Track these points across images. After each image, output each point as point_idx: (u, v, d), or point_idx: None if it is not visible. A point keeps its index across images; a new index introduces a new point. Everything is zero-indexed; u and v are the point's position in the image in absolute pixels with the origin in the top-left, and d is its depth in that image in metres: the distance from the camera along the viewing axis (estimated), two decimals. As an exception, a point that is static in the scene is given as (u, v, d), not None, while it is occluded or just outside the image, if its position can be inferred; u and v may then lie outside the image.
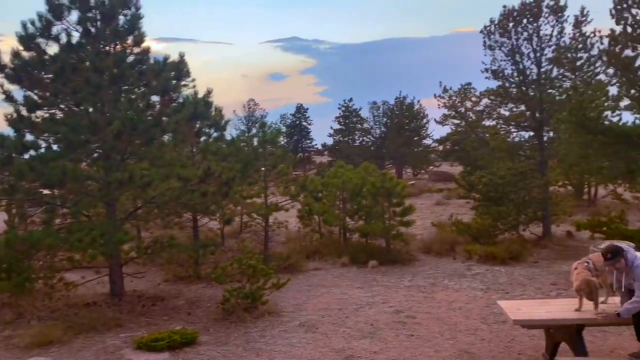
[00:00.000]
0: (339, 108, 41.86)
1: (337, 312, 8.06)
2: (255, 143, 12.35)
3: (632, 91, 11.42)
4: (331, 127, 42.09)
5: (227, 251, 11.80)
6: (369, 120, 40.69)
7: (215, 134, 9.99)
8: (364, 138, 41.29)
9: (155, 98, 8.94)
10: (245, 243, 11.29)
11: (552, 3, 13.17)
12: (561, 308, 5.46)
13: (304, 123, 46.49)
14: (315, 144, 46.60)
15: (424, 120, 38.91)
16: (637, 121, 11.64)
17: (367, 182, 12.03)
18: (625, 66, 11.06)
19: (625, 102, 11.78)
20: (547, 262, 11.03)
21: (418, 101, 39.33)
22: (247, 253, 8.43)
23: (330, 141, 42.65)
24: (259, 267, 7.99)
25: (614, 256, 5.07)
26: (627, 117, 11.86)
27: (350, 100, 41.62)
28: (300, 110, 46.60)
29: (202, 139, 9.97)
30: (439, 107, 25.45)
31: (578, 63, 15.81)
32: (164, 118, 8.60)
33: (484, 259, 11.14)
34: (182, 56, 9.12)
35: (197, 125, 9.29)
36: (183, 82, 9.11)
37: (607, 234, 10.49)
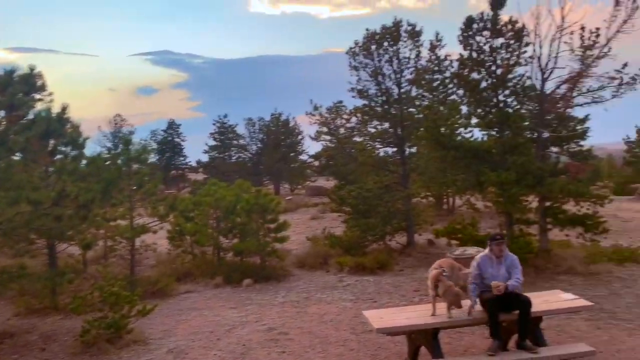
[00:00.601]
0: (214, 124, 41.18)
1: (209, 335, 7.83)
2: (120, 161, 11.65)
3: (479, 110, 12.64)
4: (206, 144, 41.23)
5: (90, 278, 10.95)
6: (245, 137, 40.55)
7: (72, 153, 9.28)
8: (241, 154, 41.01)
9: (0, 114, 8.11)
10: (108, 269, 10.55)
11: (409, 28, 14.19)
12: (419, 314, 5.81)
13: (177, 139, 44.97)
14: (189, 161, 45.27)
15: (299, 137, 39.67)
16: (485, 138, 12.94)
17: (241, 199, 11.92)
18: (472, 88, 12.23)
19: (475, 120, 13.03)
20: (411, 269, 11.72)
21: (293, 118, 40.04)
22: (109, 279, 7.90)
23: (205, 158, 41.70)
24: (123, 294, 7.52)
25: (502, 237, 5.97)
26: (478, 134, 13.16)
27: (225, 116, 41.18)
28: (172, 126, 45.02)
29: (58, 157, 9.20)
30: (310, 124, 26.10)
31: (435, 84, 17.21)
32: (11, 136, 7.82)
33: (354, 270, 11.54)
34: (32, 69, 8.42)
35: (51, 144, 8.59)
36: (37, 97, 8.39)
37: (461, 240, 11.44)
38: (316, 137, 27.67)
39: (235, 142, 41.06)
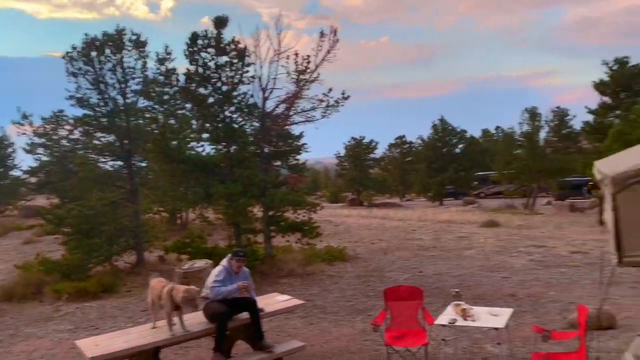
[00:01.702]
0: None
1: None
2: None
3: (207, 125, 12.90)
4: None
5: None
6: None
7: None
8: None
9: None
10: None
11: (134, 37, 13.65)
12: (140, 335, 5.52)
13: None
14: None
15: (10, 149, 34.37)
16: (213, 152, 13.26)
17: None
18: (199, 102, 12.41)
19: (207, 134, 13.23)
20: (140, 289, 11.15)
21: (1, 127, 34.52)
22: None
23: None
24: None
25: (245, 255, 6.01)
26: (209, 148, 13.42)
27: None
28: None
29: None
30: (18, 135, 22.86)
31: (165, 97, 16.94)
32: None
33: (74, 297, 10.44)
34: None
35: None
36: None
37: (191, 254, 11.43)
38: (30, 150, 24.37)
39: None
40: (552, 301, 8.56)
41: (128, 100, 13.79)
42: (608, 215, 3.38)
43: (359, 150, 43.94)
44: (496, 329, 5.47)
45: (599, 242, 13.98)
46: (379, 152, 47.26)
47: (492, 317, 5.69)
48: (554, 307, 8.20)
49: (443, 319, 5.71)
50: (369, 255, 14.08)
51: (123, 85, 13.54)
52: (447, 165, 43.27)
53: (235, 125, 12.51)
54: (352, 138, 44.70)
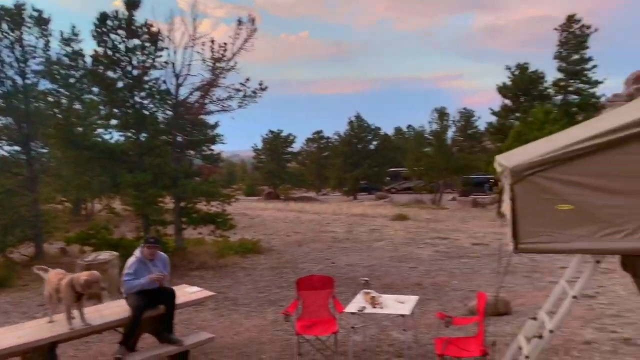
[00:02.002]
0: None
1: None
2: None
3: (116, 111, 12.28)
4: None
5: None
6: None
7: None
8: None
9: None
10: None
11: (35, 14, 12.69)
12: (34, 329, 5.16)
13: None
14: None
15: None
16: (122, 139, 12.65)
17: None
18: (107, 86, 11.78)
19: (115, 120, 12.57)
20: (38, 283, 10.43)
21: None
22: None
23: None
24: None
25: (157, 242, 5.80)
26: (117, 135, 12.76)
27: None
28: None
29: None
30: None
31: (71, 80, 15.91)
32: None
33: (-39, 293, 9.57)
34: None
35: None
36: None
37: (95, 245, 10.85)
38: None
39: None
40: (455, 290, 9.02)
41: (28, 81, 12.83)
42: (506, 205, 3.60)
43: (276, 144, 43.94)
44: (402, 315, 5.68)
45: (498, 234, 14.96)
46: (296, 147, 47.58)
47: (399, 305, 5.90)
48: (456, 295, 8.65)
49: (352, 306, 5.85)
50: (284, 247, 14.11)
51: (22, 65, 12.57)
52: (361, 161, 44.39)
53: (146, 112, 12.03)
54: (270, 131, 44.62)
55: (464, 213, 24.57)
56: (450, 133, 36.59)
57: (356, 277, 9.87)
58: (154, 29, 11.79)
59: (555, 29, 30.88)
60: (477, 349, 5.22)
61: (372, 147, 47.25)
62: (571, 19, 30.44)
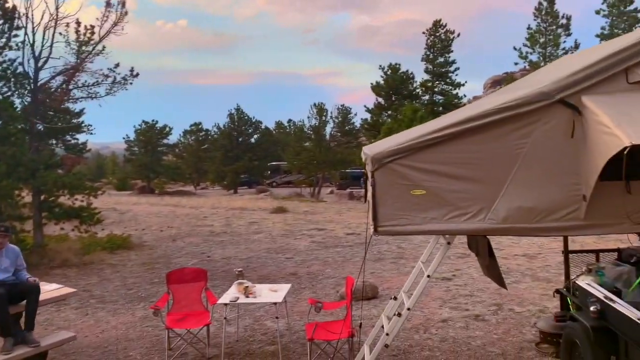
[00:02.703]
0: None
1: None
2: None
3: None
4: None
5: None
6: None
7: None
8: None
9: None
10: None
11: None
12: None
13: None
14: None
15: None
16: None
17: None
18: (-51, 65, 10.46)
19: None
20: None
21: None
22: None
23: None
24: None
25: (7, 230, 5.42)
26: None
27: None
28: None
29: None
30: None
31: None
32: None
33: None
34: None
35: None
36: None
37: None
38: None
39: None
40: (328, 277, 9.34)
41: None
42: (368, 191, 3.83)
43: (151, 135, 41.91)
44: (275, 303, 5.77)
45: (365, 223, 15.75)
46: (173, 139, 45.84)
47: (272, 293, 5.98)
48: (329, 282, 8.97)
49: (225, 297, 5.82)
50: (156, 242, 13.58)
51: None
52: (242, 155, 44.04)
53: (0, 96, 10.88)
54: (144, 121, 42.44)
55: (341, 205, 25.47)
56: (328, 128, 37.69)
57: (232, 270, 9.81)
58: (8, 5, 10.69)
59: (423, 33, 33.16)
60: (345, 331, 5.48)
61: (252, 140, 47.07)
62: (437, 24, 32.85)
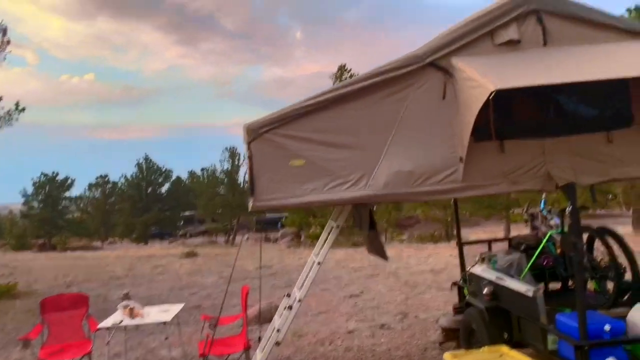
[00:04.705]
0: None
1: None
2: None
3: None
4: None
5: None
6: None
7: None
8: None
9: None
10: None
11: None
12: None
13: None
14: None
15: None
16: None
17: None
18: None
19: None
20: None
21: None
22: None
23: None
24: None
25: None
26: None
27: None
28: None
29: None
30: None
31: None
32: None
33: None
34: None
35: None
36: None
37: None
38: None
39: None
40: (235, 306, 8.83)
41: None
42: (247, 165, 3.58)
43: (51, 188, 39.23)
44: (164, 323, 5.28)
45: (277, 259, 15.43)
46: (77, 192, 43.19)
47: (161, 313, 5.49)
48: (235, 310, 8.47)
49: (108, 321, 5.25)
50: (48, 290, 12.31)
51: None
52: (152, 205, 42.25)
53: None
54: (43, 174, 39.73)
55: (255, 248, 24.86)
56: (242, 173, 37.27)
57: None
58: None
59: (330, 78, 34.17)
60: (240, 342, 5.10)
61: (163, 190, 45.41)
62: (342, 69, 34.02)
